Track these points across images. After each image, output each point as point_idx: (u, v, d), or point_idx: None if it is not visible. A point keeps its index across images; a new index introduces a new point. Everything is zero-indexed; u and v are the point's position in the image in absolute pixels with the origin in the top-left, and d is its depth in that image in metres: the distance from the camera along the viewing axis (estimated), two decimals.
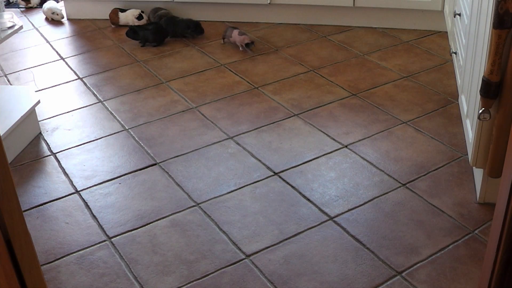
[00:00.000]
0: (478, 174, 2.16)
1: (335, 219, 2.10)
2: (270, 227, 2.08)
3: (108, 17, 3.72)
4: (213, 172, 2.37)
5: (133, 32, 3.43)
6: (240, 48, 3.28)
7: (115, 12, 3.67)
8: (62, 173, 2.42)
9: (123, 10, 3.67)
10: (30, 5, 4.13)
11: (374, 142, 2.50)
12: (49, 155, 2.54)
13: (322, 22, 3.59)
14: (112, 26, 3.70)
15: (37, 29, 3.78)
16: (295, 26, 3.60)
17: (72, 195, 2.29)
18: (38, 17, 3.98)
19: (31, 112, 2.62)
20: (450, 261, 1.90)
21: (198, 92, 2.95)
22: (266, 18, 3.66)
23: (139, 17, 3.61)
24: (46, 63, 3.35)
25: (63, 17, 3.86)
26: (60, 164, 2.47)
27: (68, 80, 3.15)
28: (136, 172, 2.40)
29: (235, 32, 3.28)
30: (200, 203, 2.21)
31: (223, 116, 2.74)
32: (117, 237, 2.08)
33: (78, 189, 2.32)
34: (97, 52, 3.43)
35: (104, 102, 2.91)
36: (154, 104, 2.87)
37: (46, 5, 3.93)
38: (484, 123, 1.95)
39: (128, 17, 3.64)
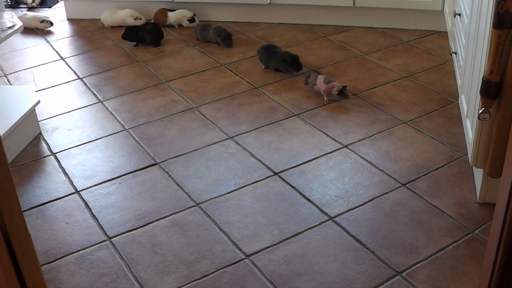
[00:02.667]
0: (478, 174, 2.16)
1: (335, 219, 2.10)
2: (270, 227, 2.08)
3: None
4: (213, 172, 2.37)
5: (130, 32, 3.40)
6: (325, 98, 2.79)
7: (163, 12, 3.62)
8: (62, 173, 2.42)
9: (171, 10, 3.63)
10: (33, 4, 4.12)
11: (374, 142, 2.50)
12: (49, 155, 2.54)
13: (322, 22, 3.59)
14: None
15: (37, 29, 3.78)
16: (295, 26, 3.60)
17: (72, 195, 2.29)
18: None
19: (31, 112, 2.62)
20: (450, 261, 1.90)
21: (198, 92, 2.95)
22: (266, 18, 3.66)
23: (192, 20, 3.57)
24: (46, 63, 3.35)
25: (52, 24, 3.75)
26: (60, 164, 2.48)
27: (68, 80, 3.15)
28: (136, 172, 2.40)
29: (320, 79, 2.77)
30: (200, 203, 2.21)
31: (223, 116, 2.74)
32: (117, 237, 2.08)
33: (78, 189, 2.32)
34: (97, 52, 3.43)
35: (104, 102, 2.91)
36: (154, 104, 2.87)
37: (29, 14, 3.78)
38: (484, 123, 1.95)
39: (178, 16, 3.59)
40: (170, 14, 3.63)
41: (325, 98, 2.78)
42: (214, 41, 3.41)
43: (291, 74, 3.03)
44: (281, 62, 3.01)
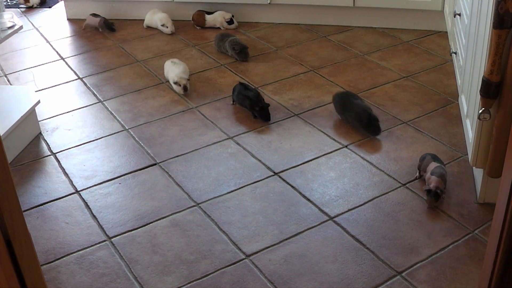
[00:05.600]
0: (478, 174, 2.16)
1: (335, 219, 2.10)
2: (270, 227, 2.08)
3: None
4: (213, 172, 2.37)
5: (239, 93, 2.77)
6: (424, 188, 2.16)
7: (201, 15, 3.59)
8: (62, 173, 2.42)
9: (209, 13, 3.59)
10: (29, 4, 4.13)
11: (374, 142, 2.50)
12: (49, 155, 2.54)
13: (322, 22, 3.59)
14: (197, 27, 3.63)
15: (37, 29, 3.78)
16: (295, 26, 3.60)
17: (72, 195, 2.29)
18: (38, 17, 3.98)
19: (31, 112, 2.62)
20: (450, 261, 1.90)
21: (198, 92, 2.95)
22: (266, 18, 3.66)
23: (230, 22, 3.54)
24: (46, 63, 3.35)
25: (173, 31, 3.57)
26: (60, 164, 2.47)
27: (68, 80, 3.15)
28: (136, 172, 2.40)
29: (431, 167, 2.19)
30: (200, 203, 2.21)
31: (223, 116, 2.74)
32: (117, 237, 2.08)
33: (78, 189, 2.32)
34: (97, 52, 3.43)
35: (104, 102, 2.91)
36: (154, 104, 2.87)
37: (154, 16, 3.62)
38: (484, 123, 1.94)
39: (217, 18, 3.56)
40: (208, 17, 3.58)
41: (425, 187, 2.17)
42: (229, 54, 3.25)
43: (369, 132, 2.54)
44: (358, 120, 2.52)
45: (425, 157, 2.25)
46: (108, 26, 3.63)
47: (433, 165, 2.19)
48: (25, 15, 4.02)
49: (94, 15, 3.67)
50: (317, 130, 2.60)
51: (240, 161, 2.43)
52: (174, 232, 2.08)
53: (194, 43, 3.46)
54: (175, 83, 2.93)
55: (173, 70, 2.98)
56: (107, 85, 3.06)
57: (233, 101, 2.82)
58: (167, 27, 3.56)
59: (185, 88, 2.91)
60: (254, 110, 2.67)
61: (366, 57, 3.21)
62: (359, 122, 2.52)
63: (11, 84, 3.13)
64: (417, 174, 2.28)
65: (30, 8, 4.13)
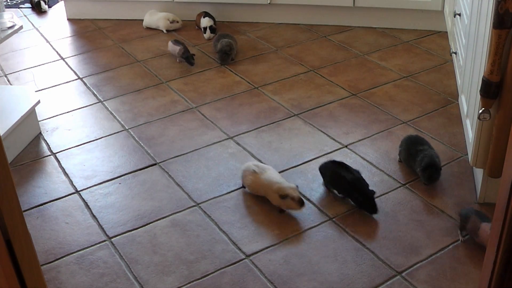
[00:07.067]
0: (478, 174, 2.16)
1: (335, 219, 2.10)
2: (270, 227, 2.08)
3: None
4: (213, 172, 2.37)
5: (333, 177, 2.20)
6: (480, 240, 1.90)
7: (200, 15, 3.58)
8: (62, 173, 2.42)
9: (208, 15, 3.56)
10: (42, 9, 4.07)
11: (374, 142, 2.50)
12: (49, 155, 2.54)
13: (322, 22, 3.59)
14: (196, 27, 3.63)
15: (37, 29, 3.78)
16: (295, 26, 3.60)
17: (72, 195, 2.29)
18: (38, 17, 3.98)
19: (31, 112, 2.62)
20: (450, 261, 1.90)
21: (198, 92, 2.95)
22: (266, 18, 3.66)
23: (204, 30, 3.48)
24: (46, 63, 3.35)
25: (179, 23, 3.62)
26: (60, 164, 2.47)
27: (68, 80, 3.15)
28: (136, 172, 2.40)
29: (485, 228, 1.85)
30: (200, 203, 2.21)
31: (223, 116, 2.74)
32: (117, 237, 2.08)
33: (78, 189, 2.32)
34: (97, 52, 3.43)
35: (104, 102, 2.91)
36: (154, 104, 2.87)
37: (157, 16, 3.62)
38: (484, 123, 1.94)
39: (205, 23, 3.54)
40: (202, 19, 3.56)
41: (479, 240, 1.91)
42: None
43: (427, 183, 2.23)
44: (418, 167, 2.21)
45: (469, 215, 1.92)
46: (187, 58, 3.14)
47: (485, 226, 1.86)
48: (25, 15, 4.01)
49: (176, 42, 3.23)
50: (317, 130, 2.60)
51: (240, 161, 2.43)
52: (174, 232, 2.08)
53: (194, 43, 3.46)
54: (284, 197, 2.08)
55: (270, 178, 2.15)
56: (107, 85, 3.06)
57: (326, 186, 2.23)
58: (177, 22, 3.59)
59: (301, 202, 2.08)
60: (355, 198, 2.10)
61: (366, 57, 3.21)
62: (424, 171, 2.18)
63: (11, 84, 3.13)
64: (461, 237, 1.96)
65: (43, 13, 4.06)
